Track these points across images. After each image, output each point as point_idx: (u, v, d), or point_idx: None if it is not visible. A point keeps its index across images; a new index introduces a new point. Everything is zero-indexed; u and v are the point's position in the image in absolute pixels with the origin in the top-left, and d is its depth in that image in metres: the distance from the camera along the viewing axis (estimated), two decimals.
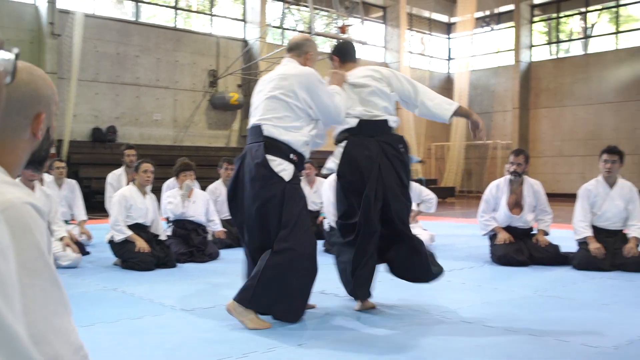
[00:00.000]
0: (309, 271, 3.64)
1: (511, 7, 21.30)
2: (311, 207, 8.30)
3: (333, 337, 3.33)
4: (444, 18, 22.96)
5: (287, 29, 18.74)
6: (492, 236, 6.16)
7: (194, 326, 3.56)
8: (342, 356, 3.01)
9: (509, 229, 6.11)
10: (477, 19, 21.69)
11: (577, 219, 5.83)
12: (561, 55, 21.13)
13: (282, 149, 3.62)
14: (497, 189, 6.29)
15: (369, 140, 3.87)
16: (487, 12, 22.01)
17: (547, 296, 4.44)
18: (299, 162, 3.70)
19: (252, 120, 3.79)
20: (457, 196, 20.14)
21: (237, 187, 3.74)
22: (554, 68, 20.61)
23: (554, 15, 21.33)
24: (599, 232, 5.73)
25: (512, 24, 21.44)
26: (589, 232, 5.69)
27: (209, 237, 6.40)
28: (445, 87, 22.85)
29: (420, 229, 7.32)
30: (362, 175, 3.82)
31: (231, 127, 17.04)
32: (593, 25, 21.12)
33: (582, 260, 5.53)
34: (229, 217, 7.44)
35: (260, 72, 16.36)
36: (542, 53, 21.68)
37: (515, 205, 6.19)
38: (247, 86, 17.06)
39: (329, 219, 6.96)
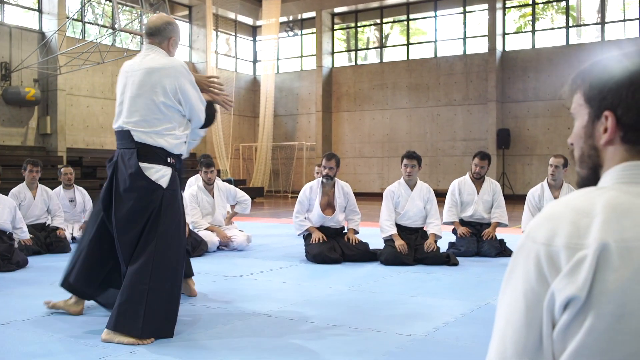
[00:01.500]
0: (180, 280, 3.55)
1: (313, 14, 22.21)
2: None
3: (165, 342, 3.33)
4: (249, 21, 23.30)
5: (89, 23, 17.87)
6: (307, 236, 6.46)
7: (14, 340, 3.36)
8: None
9: (322, 228, 6.46)
10: (282, 23, 22.32)
11: (383, 218, 6.34)
12: (360, 62, 22.45)
13: (157, 154, 3.42)
14: (310, 191, 6.61)
15: None
16: (291, 18, 22.73)
17: (360, 291, 4.80)
18: (177, 164, 3.51)
19: (118, 121, 3.50)
20: (265, 196, 20.60)
21: (111, 195, 3.49)
22: (353, 74, 21.85)
23: (353, 24, 22.62)
24: (402, 230, 6.29)
25: (314, 30, 22.36)
26: (393, 230, 6.21)
27: (15, 245, 5.98)
28: (252, 88, 23.24)
29: (236, 230, 7.45)
30: None
31: (28, 124, 15.85)
32: (387, 35, 22.75)
33: (389, 256, 6.02)
34: (36, 222, 7.05)
35: (59, 67, 15.43)
36: (342, 59, 22.88)
37: (328, 206, 6.56)
38: (45, 81, 15.99)
39: None
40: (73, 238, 7.78)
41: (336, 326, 3.68)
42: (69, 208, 7.97)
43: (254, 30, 23.89)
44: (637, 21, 17.92)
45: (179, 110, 3.49)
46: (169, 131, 3.45)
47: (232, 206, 7.73)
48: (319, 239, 6.28)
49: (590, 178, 1.19)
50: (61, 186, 8.07)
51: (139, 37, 16.63)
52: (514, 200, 15.87)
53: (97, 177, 15.34)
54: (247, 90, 23.12)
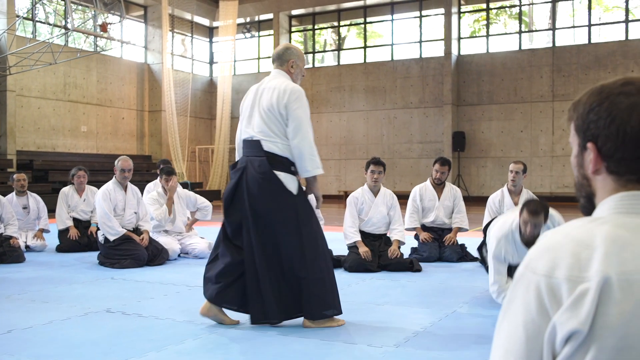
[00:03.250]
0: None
1: (270, 16, 22.14)
2: (80, 216, 7.89)
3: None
4: (205, 22, 23.08)
5: (40, 22, 17.42)
6: None
7: None
8: None
9: None
10: (239, 24, 22.19)
11: (347, 224, 6.32)
12: (317, 64, 22.48)
13: (283, 163, 3.82)
14: None
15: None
16: (248, 19, 22.61)
17: None
18: (296, 173, 3.89)
19: (248, 132, 3.93)
20: (222, 199, 20.38)
21: (235, 195, 3.92)
22: (310, 76, 21.85)
23: (310, 26, 22.64)
24: (366, 236, 6.29)
25: (271, 32, 22.29)
26: (358, 237, 6.21)
27: None
28: (208, 90, 23.03)
29: (197, 237, 7.34)
30: None
31: None
32: (344, 38, 22.83)
33: (353, 263, 6.02)
34: None
35: (9, 67, 14.99)
36: None
37: None
38: None
39: (103, 230, 6.68)
40: (27, 247, 7.56)
41: (305, 338, 3.65)
42: (23, 215, 7.73)
43: (210, 32, 23.68)
44: (586, 28, 18.41)
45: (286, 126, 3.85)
46: (287, 143, 3.84)
47: (193, 213, 7.63)
48: None
49: (587, 206, 1.21)
50: (14, 193, 7.83)
51: (93, 37, 16.27)
52: (469, 201, 16.07)
53: (49, 181, 14.95)
54: (203, 92, 22.90)
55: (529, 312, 1.03)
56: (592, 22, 18.43)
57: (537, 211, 4.04)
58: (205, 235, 7.78)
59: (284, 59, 4.03)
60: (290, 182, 3.84)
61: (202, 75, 23.26)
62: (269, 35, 22.56)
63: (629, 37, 17.76)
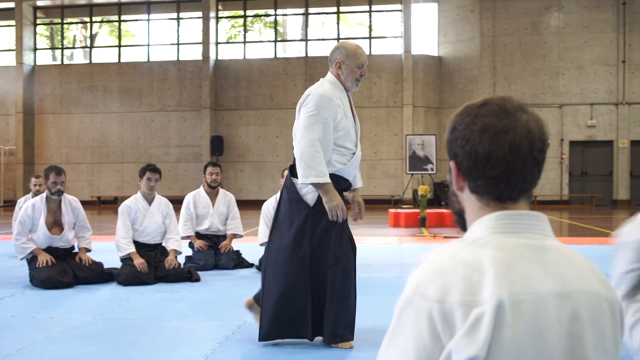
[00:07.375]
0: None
1: (12, 4, 20.16)
2: None
3: None
4: None
5: None
6: (32, 258, 5.79)
7: None
8: None
9: (49, 249, 5.84)
10: None
11: (120, 235, 5.95)
12: (66, 61, 20.98)
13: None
14: (33, 209, 5.93)
15: None
16: None
17: (107, 319, 4.40)
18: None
19: None
20: None
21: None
22: (59, 74, 20.33)
23: (58, 20, 21.05)
24: (141, 247, 5.98)
25: (13, 22, 20.31)
26: (132, 248, 5.87)
27: None
28: None
29: None
30: None
31: None
32: (95, 35, 21.62)
33: (128, 277, 5.67)
34: None
35: None
36: (46, 57, 21.13)
37: (55, 224, 5.96)
38: None
39: None
40: None
41: None
42: None
43: None
44: (336, 41, 19.72)
45: None
46: None
47: None
48: (47, 261, 5.66)
49: (459, 222, 1.24)
50: None
51: None
52: None
53: None
54: None
55: (420, 340, 1.02)
56: (340, 36, 19.77)
57: None
58: None
59: (331, 60, 3.72)
60: (307, 191, 3.55)
61: None
62: (10, 26, 20.55)
63: (372, 52, 19.39)
